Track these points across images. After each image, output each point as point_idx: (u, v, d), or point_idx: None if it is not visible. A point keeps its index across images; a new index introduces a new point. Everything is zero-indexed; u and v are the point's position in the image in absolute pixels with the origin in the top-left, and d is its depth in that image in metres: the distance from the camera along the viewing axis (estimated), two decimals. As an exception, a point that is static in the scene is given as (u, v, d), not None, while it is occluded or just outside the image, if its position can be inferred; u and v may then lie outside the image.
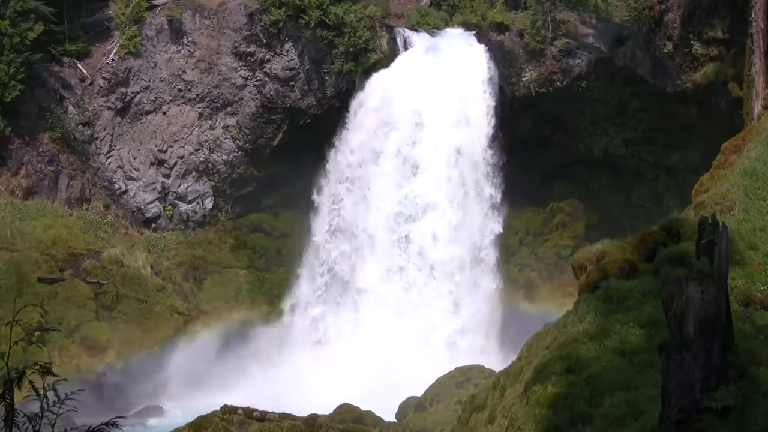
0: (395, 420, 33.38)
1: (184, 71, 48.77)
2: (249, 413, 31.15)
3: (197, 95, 48.91)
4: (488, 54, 46.36)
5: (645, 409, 12.32)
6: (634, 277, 17.33)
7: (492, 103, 46.02)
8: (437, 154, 45.71)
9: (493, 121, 46.00)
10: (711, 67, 38.95)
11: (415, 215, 45.74)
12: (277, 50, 48.26)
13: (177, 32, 48.59)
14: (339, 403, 33.30)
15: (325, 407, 32.68)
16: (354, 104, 46.89)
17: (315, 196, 47.76)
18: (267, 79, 48.59)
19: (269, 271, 49.52)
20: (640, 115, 45.57)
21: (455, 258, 45.50)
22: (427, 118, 45.62)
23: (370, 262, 45.79)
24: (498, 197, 46.57)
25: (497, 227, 46.44)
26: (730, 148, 25.40)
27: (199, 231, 49.81)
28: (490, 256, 46.39)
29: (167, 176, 49.34)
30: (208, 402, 35.59)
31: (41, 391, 7.46)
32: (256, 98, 48.91)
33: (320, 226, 47.57)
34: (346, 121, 46.95)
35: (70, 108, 47.68)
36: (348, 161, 47.10)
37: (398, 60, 46.99)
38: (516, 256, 48.55)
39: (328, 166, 47.49)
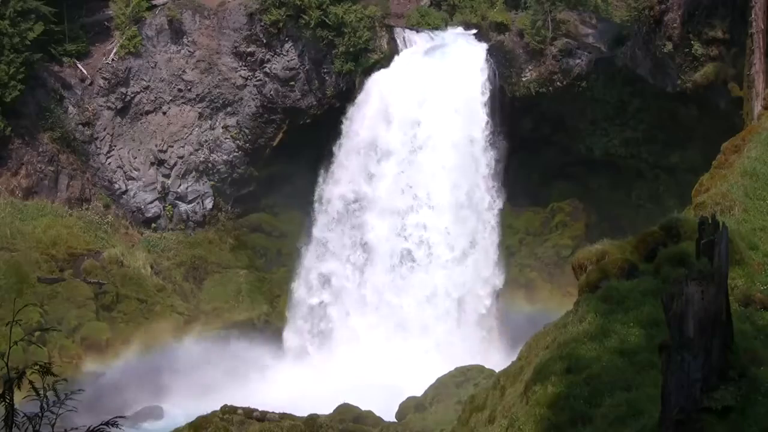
0: (395, 420, 33.35)
1: (184, 71, 48.77)
2: (249, 413, 31.20)
3: (197, 95, 48.91)
4: (488, 54, 46.32)
5: (645, 409, 12.31)
6: (634, 277, 17.30)
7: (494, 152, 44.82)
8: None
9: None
10: (711, 67, 38.92)
11: None
12: (277, 50, 48.25)
13: (177, 32, 48.58)
14: (339, 403, 33.28)
15: (325, 407, 32.68)
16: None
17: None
18: (267, 79, 48.58)
19: (269, 271, 49.48)
20: (640, 115, 45.55)
21: None
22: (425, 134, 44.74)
23: None
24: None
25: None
26: (730, 148, 25.36)
27: (199, 231, 49.78)
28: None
29: (167, 176, 49.33)
30: (208, 402, 35.58)
31: (41, 391, 7.45)
32: (256, 98, 48.90)
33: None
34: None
35: (70, 108, 47.67)
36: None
37: (397, 60, 46.84)
38: (516, 256, 48.50)
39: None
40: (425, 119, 44.83)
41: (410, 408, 33.64)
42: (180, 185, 49.52)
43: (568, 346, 15.64)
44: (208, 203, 49.98)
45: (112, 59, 48.20)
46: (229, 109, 49.17)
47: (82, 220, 46.05)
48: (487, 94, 45.53)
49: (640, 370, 13.94)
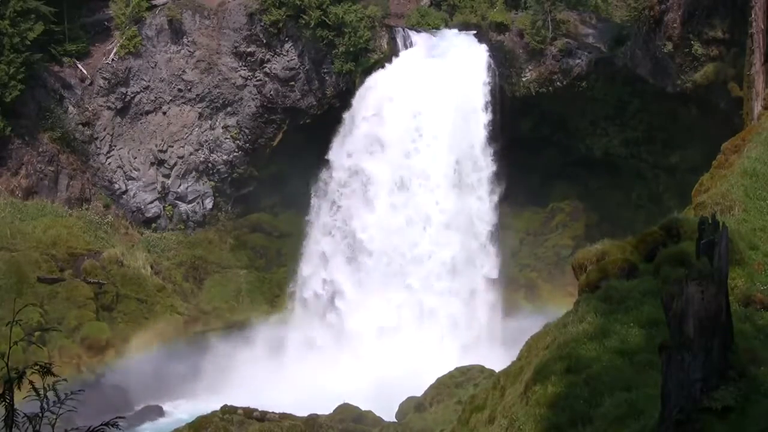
0: (395, 420, 33.36)
1: (184, 71, 48.76)
2: (249, 413, 31.21)
3: (197, 95, 48.90)
4: (488, 54, 46.30)
5: (645, 409, 12.31)
6: (634, 277, 17.31)
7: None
8: None
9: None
10: (711, 67, 38.94)
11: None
12: (277, 50, 48.25)
13: (177, 32, 48.57)
14: (339, 403, 33.29)
15: (325, 407, 32.69)
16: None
17: None
18: (267, 79, 48.57)
19: (269, 271, 49.48)
20: (640, 115, 45.56)
21: None
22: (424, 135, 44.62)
23: None
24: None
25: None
26: (730, 148, 25.38)
27: (199, 231, 49.80)
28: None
29: (167, 176, 49.33)
30: (208, 402, 35.63)
31: (41, 391, 7.44)
32: (256, 98, 48.90)
33: None
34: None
35: (70, 108, 47.66)
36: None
37: (397, 61, 46.77)
38: (516, 256, 48.50)
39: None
40: (425, 119, 44.81)
41: (410, 408, 33.65)
42: (180, 185, 49.52)
43: (568, 346, 15.64)
44: (208, 203, 49.98)
45: (112, 59, 48.20)
46: (229, 109, 49.17)
47: (82, 220, 46.05)
48: (487, 95, 45.50)
49: (640, 370, 13.94)
